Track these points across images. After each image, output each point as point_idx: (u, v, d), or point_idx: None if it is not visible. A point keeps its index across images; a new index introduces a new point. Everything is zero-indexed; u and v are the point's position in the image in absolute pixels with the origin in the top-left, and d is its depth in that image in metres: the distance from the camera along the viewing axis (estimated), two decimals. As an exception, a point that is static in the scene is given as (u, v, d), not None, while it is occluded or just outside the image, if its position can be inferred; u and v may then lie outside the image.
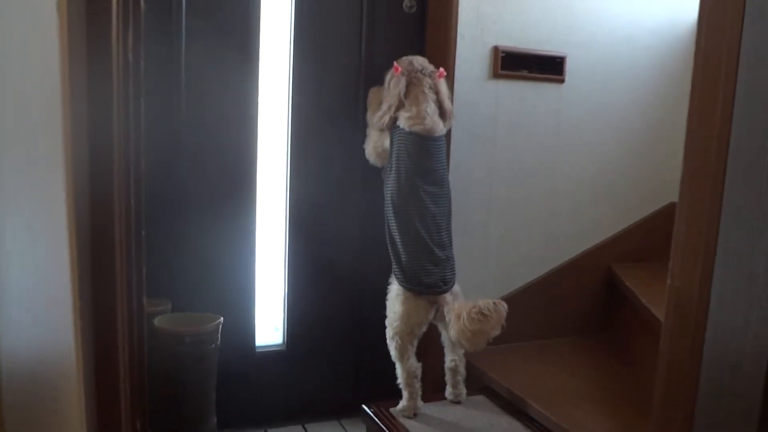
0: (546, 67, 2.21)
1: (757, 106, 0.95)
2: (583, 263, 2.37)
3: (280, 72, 2.03)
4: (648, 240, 2.45)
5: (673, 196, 1.16)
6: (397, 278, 1.83)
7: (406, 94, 1.85)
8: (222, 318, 1.82)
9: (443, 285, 1.80)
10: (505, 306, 1.65)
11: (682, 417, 1.09)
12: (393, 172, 1.84)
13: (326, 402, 2.18)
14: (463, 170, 2.14)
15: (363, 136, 2.02)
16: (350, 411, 2.11)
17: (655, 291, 2.04)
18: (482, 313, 1.62)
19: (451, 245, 1.87)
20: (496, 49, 2.13)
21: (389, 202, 1.85)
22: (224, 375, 1.92)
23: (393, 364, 1.85)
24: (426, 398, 1.89)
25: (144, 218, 1.39)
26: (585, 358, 2.21)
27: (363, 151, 2.00)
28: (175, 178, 1.89)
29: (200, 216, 1.93)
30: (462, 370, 1.94)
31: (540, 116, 2.24)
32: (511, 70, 2.16)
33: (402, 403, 1.85)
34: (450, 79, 2.01)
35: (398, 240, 1.82)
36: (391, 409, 1.86)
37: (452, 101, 1.97)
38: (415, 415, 1.84)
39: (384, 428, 1.80)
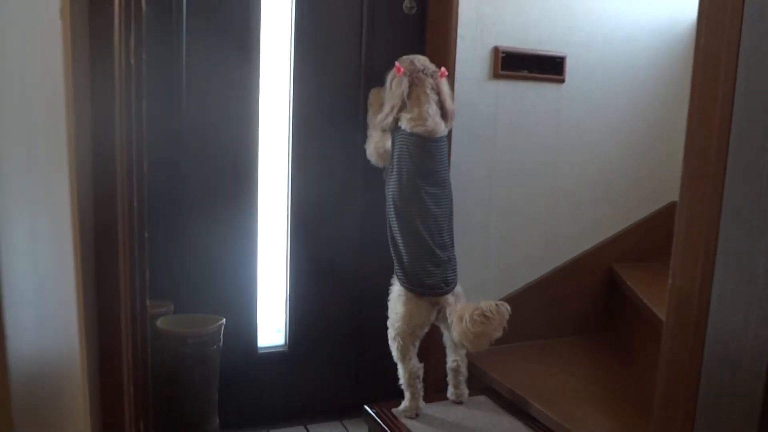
0: (546, 67, 2.21)
1: (756, 105, 0.95)
2: (584, 263, 2.37)
3: (281, 72, 2.03)
4: (648, 240, 2.45)
5: (673, 196, 1.17)
6: (398, 279, 1.83)
7: (408, 95, 1.84)
8: (224, 319, 1.82)
9: (445, 286, 1.80)
10: (508, 308, 1.65)
11: (683, 416, 1.09)
12: (394, 173, 1.84)
13: (328, 402, 2.18)
14: (464, 170, 2.15)
15: (364, 137, 2.03)
16: (352, 411, 2.12)
17: (656, 291, 2.04)
18: (484, 315, 1.62)
19: (453, 246, 1.87)
20: (496, 50, 2.13)
21: (391, 203, 1.85)
22: (227, 376, 1.93)
23: (394, 365, 1.85)
24: (428, 399, 1.89)
25: (146, 219, 1.40)
26: (586, 358, 2.21)
27: (364, 151, 2.00)
28: (176, 179, 1.89)
29: (202, 217, 1.93)
30: (464, 370, 1.94)
31: (540, 116, 2.24)
32: (511, 70, 2.16)
33: (404, 404, 1.86)
34: (450, 80, 2.01)
35: (400, 241, 1.82)
36: (393, 410, 1.87)
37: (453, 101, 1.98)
38: (417, 415, 1.84)
39: (386, 428, 1.80)
